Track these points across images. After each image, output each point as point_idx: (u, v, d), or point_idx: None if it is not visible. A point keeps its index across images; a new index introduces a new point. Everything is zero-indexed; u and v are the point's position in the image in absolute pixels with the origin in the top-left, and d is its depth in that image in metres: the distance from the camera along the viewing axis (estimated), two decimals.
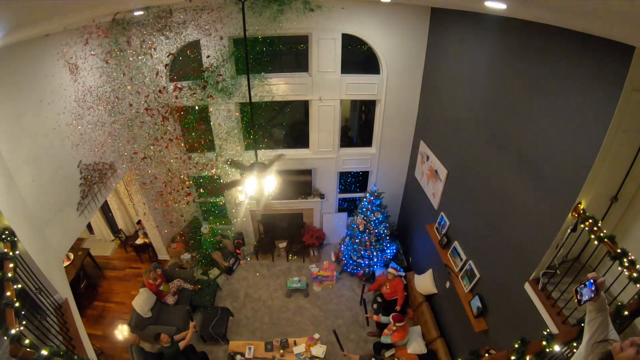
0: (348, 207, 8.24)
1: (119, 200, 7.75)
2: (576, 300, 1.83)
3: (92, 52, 4.70)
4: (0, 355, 2.59)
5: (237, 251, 7.90)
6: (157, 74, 5.55)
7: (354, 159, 7.34)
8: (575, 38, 2.73)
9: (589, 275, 1.80)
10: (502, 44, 3.97)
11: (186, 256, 7.47)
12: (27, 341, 2.16)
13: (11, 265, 2.68)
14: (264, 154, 6.11)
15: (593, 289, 1.75)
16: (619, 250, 2.39)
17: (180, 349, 5.05)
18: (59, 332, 3.14)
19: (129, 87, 5.43)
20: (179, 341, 5.10)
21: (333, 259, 7.78)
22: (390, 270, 6.30)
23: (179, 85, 5.71)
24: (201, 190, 7.25)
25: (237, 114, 6.40)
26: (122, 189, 7.51)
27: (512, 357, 2.37)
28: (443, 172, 5.52)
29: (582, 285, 1.81)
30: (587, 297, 1.78)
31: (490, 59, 4.20)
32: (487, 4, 2.69)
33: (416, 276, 6.55)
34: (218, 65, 5.70)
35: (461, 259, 4.94)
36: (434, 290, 6.06)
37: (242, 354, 5.66)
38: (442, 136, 5.69)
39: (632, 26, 1.69)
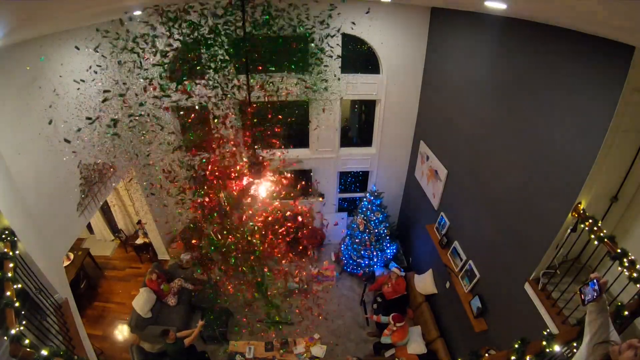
0: (348, 207, 8.24)
1: (119, 200, 7.75)
2: (580, 300, 1.85)
3: (92, 52, 4.68)
4: (0, 355, 2.59)
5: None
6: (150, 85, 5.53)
7: (354, 159, 7.33)
8: (575, 38, 2.73)
9: (592, 275, 1.81)
10: (501, 44, 3.97)
11: (186, 256, 7.46)
12: (27, 341, 2.16)
13: (11, 265, 2.68)
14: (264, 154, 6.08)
15: (596, 287, 1.76)
16: (619, 250, 2.40)
17: (186, 346, 5.05)
18: (59, 332, 3.14)
19: (125, 96, 5.40)
20: (183, 338, 5.10)
21: (333, 259, 7.77)
22: (394, 269, 6.32)
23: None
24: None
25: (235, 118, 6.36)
26: (122, 189, 7.51)
27: (512, 357, 2.37)
28: (443, 172, 5.51)
29: (585, 285, 1.82)
30: (590, 296, 1.79)
31: (490, 59, 4.21)
32: (487, 4, 2.70)
33: (416, 276, 6.55)
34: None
35: (461, 259, 4.94)
36: (434, 290, 6.06)
37: (242, 354, 5.66)
38: (442, 136, 5.69)
39: (632, 25, 1.69)
